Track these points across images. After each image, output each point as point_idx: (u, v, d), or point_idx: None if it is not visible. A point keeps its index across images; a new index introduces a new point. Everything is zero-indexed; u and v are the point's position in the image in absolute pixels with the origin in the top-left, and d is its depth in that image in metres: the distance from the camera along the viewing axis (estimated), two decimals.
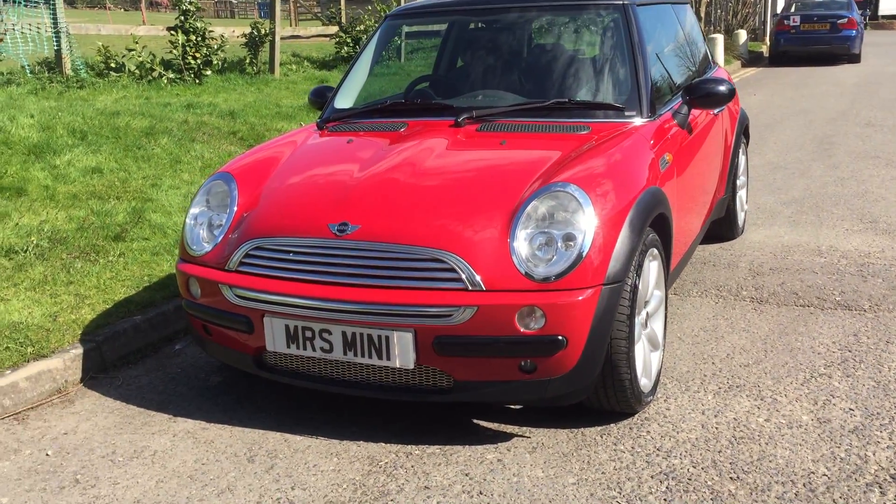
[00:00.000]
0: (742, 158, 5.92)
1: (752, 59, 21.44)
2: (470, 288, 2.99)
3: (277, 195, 3.54)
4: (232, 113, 8.74)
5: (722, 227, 5.65)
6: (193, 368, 4.03)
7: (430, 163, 3.51)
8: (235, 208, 3.55)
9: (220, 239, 3.48)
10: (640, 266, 3.23)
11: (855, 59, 20.11)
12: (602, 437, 3.23)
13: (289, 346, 3.23)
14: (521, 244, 3.04)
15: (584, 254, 3.00)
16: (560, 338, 2.97)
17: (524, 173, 3.35)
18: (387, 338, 3.06)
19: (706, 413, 3.38)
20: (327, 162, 3.77)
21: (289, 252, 3.25)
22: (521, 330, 2.96)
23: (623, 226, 3.14)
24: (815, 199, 6.92)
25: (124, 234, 5.31)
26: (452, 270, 3.01)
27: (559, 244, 3.03)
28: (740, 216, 5.89)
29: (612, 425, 3.31)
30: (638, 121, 3.83)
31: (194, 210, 3.65)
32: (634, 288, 3.18)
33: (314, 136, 4.15)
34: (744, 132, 5.93)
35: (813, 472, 2.92)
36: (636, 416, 3.38)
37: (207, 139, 7.67)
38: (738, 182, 5.80)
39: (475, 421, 3.39)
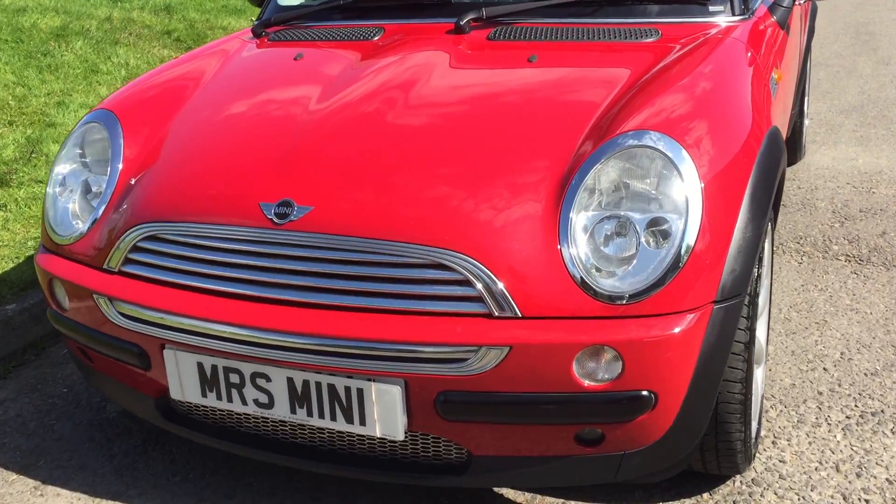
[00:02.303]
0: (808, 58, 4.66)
1: None
2: (496, 314, 1.79)
3: (184, 148, 2.28)
4: (167, 7, 7.26)
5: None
6: (85, 387, 2.83)
7: (421, 93, 2.25)
8: (119, 166, 2.29)
9: (99, 216, 2.23)
10: (761, 259, 2.05)
11: None
12: None
13: (205, 395, 2.04)
14: (579, 238, 1.83)
15: (686, 251, 1.79)
16: (645, 393, 1.79)
17: (573, 112, 2.11)
18: (360, 391, 1.87)
19: (842, 469, 2.25)
20: (263, 89, 2.48)
21: (198, 246, 2.02)
22: (583, 383, 1.78)
23: (744, 198, 1.93)
24: (878, 105, 5.69)
25: (10, 175, 4.02)
26: (466, 284, 1.81)
27: (641, 236, 1.82)
28: (804, 133, 4.67)
29: (705, 496, 2.18)
30: (726, 19, 2.56)
31: (61, 168, 2.38)
32: (755, 298, 2.00)
33: (249, 48, 2.84)
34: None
35: None
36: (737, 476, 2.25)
37: (135, 41, 6.25)
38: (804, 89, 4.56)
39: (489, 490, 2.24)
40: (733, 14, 2.57)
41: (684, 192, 1.83)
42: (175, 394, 2.08)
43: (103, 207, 2.23)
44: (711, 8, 2.56)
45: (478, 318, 1.80)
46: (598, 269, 1.81)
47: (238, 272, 1.97)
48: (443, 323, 1.80)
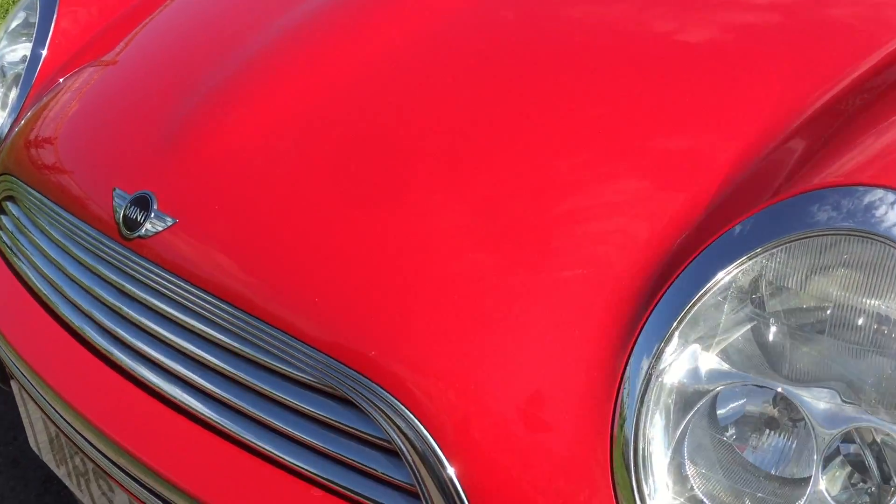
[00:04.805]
0: None
1: None
2: None
3: (122, 54, 1.42)
4: None
5: None
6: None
7: (471, 20, 1.18)
8: (43, 53, 1.52)
9: (10, 126, 1.49)
10: None
11: None
12: None
13: (58, 467, 1.29)
14: (658, 405, 0.76)
15: None
16: None
17: (717, 119, 0.95)
18: None
19: None
20: None
21: (49, 237, 1.21)
22: None
23: None
24: None
25: None
26: (387, 450, 0.84)
27: (818, 451, 0.72)
28: None
29: None
30: None
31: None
32: None
33: None
34: None
35: None
36: None
37: None
38: None
39: None
40: None
41: None
42: (33, 445, 1.34)
43: (13, 117, 1.47)
44: None
45: None
46: None
47: (85, 300, 1.13)
48: None
